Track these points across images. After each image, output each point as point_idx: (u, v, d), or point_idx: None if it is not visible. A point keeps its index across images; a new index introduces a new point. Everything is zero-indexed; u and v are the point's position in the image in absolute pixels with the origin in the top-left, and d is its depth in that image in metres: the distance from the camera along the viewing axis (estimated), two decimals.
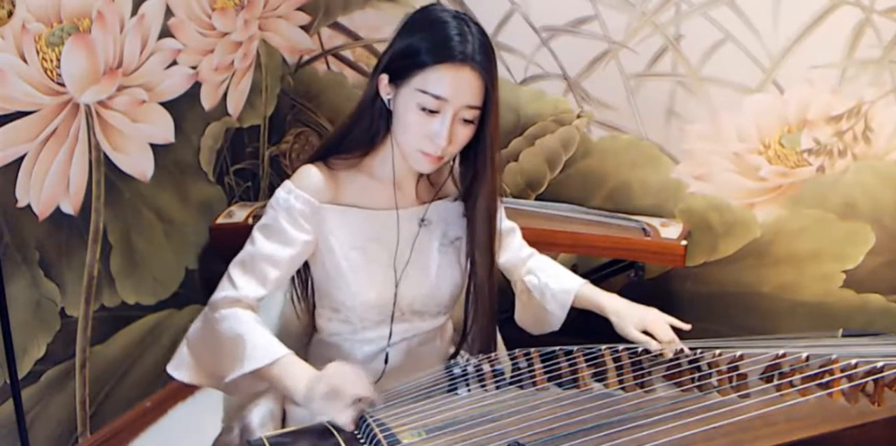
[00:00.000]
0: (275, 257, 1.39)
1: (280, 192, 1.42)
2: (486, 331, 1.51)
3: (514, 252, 1.64)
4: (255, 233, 1.42)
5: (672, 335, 1.44)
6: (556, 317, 1.59)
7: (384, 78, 1.36)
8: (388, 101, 1.38)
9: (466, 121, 1.34)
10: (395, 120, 1.38)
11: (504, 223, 1.62)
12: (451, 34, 1.31)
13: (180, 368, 1.40)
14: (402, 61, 1.34)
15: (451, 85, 1.30)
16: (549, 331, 1.62)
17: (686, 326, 1.46)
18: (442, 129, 1.32)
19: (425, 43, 1.31)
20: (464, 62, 1.29)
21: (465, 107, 1.32)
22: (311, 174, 1.42)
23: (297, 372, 1.28)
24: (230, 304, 1.37)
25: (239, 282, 1.38)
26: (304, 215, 1.40)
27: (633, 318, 1.48)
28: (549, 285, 1.59)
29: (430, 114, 1.32)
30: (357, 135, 1.43)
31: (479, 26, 1.35)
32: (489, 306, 1.50)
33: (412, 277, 1.47)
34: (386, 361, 1.50)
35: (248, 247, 1.42)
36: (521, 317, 1.66)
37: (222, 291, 1.39)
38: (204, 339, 1.39)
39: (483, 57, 1.31)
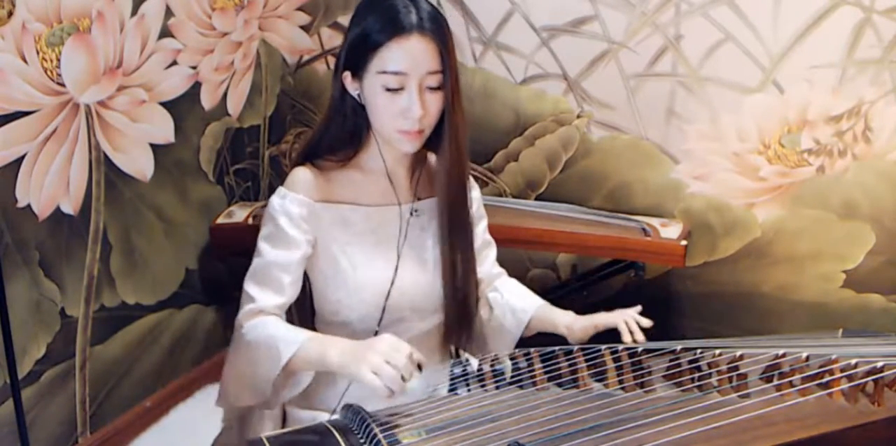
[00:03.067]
0: (285, 263, 1.41)
1: (275, 199, 1.44)
2: (466, 322, 1.51)
3: (487, 267, 1.63)
4: (261, 245, 1.43)
5: (623, 316, 1.45)
6: (512, 335, 1.58)
7: (347, 75, 1.39)
8: (358, 95, 1.40)
9: (433, 88, 1.36)
10: (367, 110, 1.40)
11: (484, 236, 1.63)
12: (394, 8, 1.34)
13: (228, 397, 1.43)
14: (356, 51, 1.36)
15: (406, 57, 1.33)
16: (502, 351, 1.60)
17: (647, 322, 1.45)
18: (412, 103, 1.34)
19: (373, 24, 1.34)
20: (412, 31, 1.32)
21: (426, 74, 1.34)
22: (301, 175, 1.45)
23: (327, 340, 1.31)
24: (253, 316, 1.39)
25: (257, 296, 1.40)
26: (303, 216, 1.42)
27: (583, 320, 1.48)
28: (510, 302, 1.60)
29: (397, 93, 1.34)
30: (334, 135, 1.46)
31: None
32: (461, 294, 1.50)
33: (410, 273, 1.47)
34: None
35: (256, 261, 1.43)
36: (479, 333, 1.63)
37: (243, 308, 1.41)
38: (239, 356, 1.40)
39: (431, 23, 1.34)
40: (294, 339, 1.32)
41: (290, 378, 1.39)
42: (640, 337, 1.41)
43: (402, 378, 1.20)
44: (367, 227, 1.46)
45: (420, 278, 1.48)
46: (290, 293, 1.42)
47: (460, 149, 1.43)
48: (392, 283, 1.46)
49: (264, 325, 1.37)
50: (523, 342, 1.59)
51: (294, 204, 1.42)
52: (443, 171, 1.45)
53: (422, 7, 1.35)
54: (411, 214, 1.49)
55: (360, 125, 1.44)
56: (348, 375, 1.26)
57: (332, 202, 1.45)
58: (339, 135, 1.45)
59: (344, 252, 1.45)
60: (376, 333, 1.48)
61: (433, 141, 1.43)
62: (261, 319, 1.39)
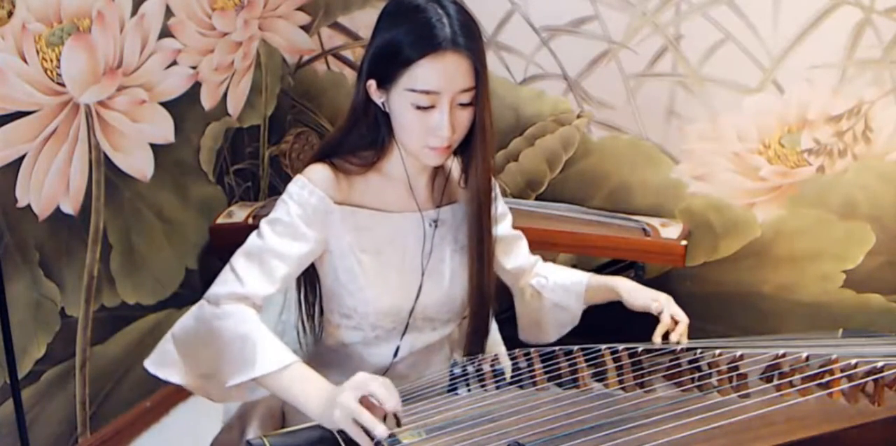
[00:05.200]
0: (285, 253, 1.32)
1: (293, 187, 1.36)
2: (481, 330, 1.50)
3: (522, 258, 1.61)
4: (264, 227, 1.34)
5: (683, 316, 1.42)
6: (573, 311, 1.55)
7: (372, 84, 1.33)
8: (383, 104, 1.34)
9: (464, 105, 1.30)
10: (393, 122, 1.35)
11: (511, 230, 1.60)
12: (428, 22, 1.26)
13: (164, 366, 1.31)
14: (385, 62, 1.30)
15: (439, 76, 1.26)
16: (567, 331, 1.59)
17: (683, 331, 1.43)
18: (442, 121, 1.28)
19: (404, 37, 1.27)
20: (446, 49, 1.25)
21: (459, 92, 1.28)
22: (323, 172, 1.37)
23: (308, 383, 1.20)
24: (234, 301, 1.29)
25: (245, 277, 1.30)
26: (318, 212, 1.35)
27: (647, 293, 1.46)
28: (558, 281, 1.57)
29: (426, 110, 1.28)
30: (357, 140, 1.40)
31: (455, 4, 1.30)
32: (487, 302, 1.48)
33: (427, 283, 1.45)
34: (395, 354, 1.48)
35: (254, 241, 1.34)
36: (533, 323, 1.62)
37: (225, 285, 1.30)
38: (198, 336, 1.30)
39: (465, 38, 1.26)
40: (277, 359, 1.21)
41: (250, 384, 1.26)
42: (674, 338, 1.39)
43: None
44: (384, 235, 1.41)
45: (436, 289, 1.45)
46: (281, 286, 1.33)
47: (490, 164, 1.39)
48: (410, 294, 1.43)
49: (243, 319, 1.25)
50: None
51: (313, 197, 1.35)
52: (473, 186, 1.41)
53: (455, 18, 1.27)
54: (432, 226, 1.45)
55: (382, 132, 1.38)
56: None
57: (351, 205, 1.39)
58: (361, 141, 1.40)
59: (359, 260, 1.40)
60: (397, 349, 1.47)
61: (458, 148, 1.39)
62: (241, 308, 1.27)
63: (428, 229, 1.45)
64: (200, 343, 1.30)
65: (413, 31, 1.27)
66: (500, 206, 1.56)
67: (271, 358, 1.21)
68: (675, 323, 1.41)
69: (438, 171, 1.48)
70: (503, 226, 1.57)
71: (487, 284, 1.47)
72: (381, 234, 1.41)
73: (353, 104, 1.38)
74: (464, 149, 1.40)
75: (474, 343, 1.50)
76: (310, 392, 1.19)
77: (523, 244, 1.63)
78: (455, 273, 1.47)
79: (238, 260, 1.32)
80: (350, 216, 1.39)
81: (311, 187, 1.36)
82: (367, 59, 1.33)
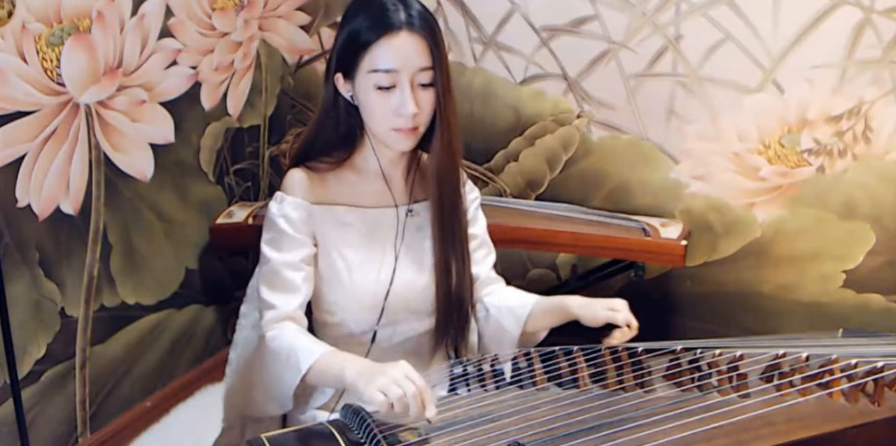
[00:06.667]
0: (294, 261, 1.42)
1: (273, 205, 1.45)
2: (459, 324, 1.51)
3: (485, 270, 1.61)
4: (265, 250, 1.44)
5: (632, 319, 1.42)
6: (511, 335, 1.55)
7: (339, 77, 1.40)
8: (352, 97, 1.41)
9: (425, 85, 1.37)
10: (361, 111, 1.41)
11: (485, 236, 1.61)
12: (384, 6, 1.35)
13: (253, 406, 1.45)
14: (346, 51, 1.37)
15: (396, 54, 1.33)
16: (503, 352, 1.57)
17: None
18: (405, 98, 1.34)
19: (363, 22, 1.35)
20: (400, 28, 1.33)
21: (417, 70, 1.35)
22: (297, 178, 1.45)
23: (346, 357, 1.31)
24: (275, 323, 1.40)
25: (274, 301, 1.41)
26: (302, 219, 1.43)
27: (601, 303, 1.45)
28: (507, 302, 1.57)
29: (389, 91, 1.35)
30: (328, 137, 1.46)
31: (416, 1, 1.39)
32: (462, 294, 1.50)
33: (407, 276, 1.47)
34: (372, 339, 1.50)
35: (264, 267, 1.44)
36: (480, 335, 1.63)
37: (264, 316, 1.42)
38: (263, 366, 1.41)
39: (421, 20, 1.35)
40: (313, 350, 1.33)
41: (312, 389, 1.41)
42: (615, 342, 1.40)
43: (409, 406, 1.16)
44: (362, 229, 1.46)
45: (417, 280, 1.48)
46: (306, 289, 1.43)
47: (453, 147, 1.43)
48: (390, 286, 1.46)
49: (285, 335, 1.38)
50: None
51: (291, 207, 1.42)
52: (435, 170, 1.45)
53: (410, 5, 1.37)
54: (407, 215, 1.49)
55: (353, 126, 1.45)
56: (357, 393, 1.23)
57: (328, 204, 1.45)
58: (333, 137, 1.46)
59: (340, 254, 1.45)
60: (375, 334, 1.48)
61: (426, 140, 1.43)
62: (282, 328, 1.39)
63: (402, 217, 1.49)
64: (266, 372, 1.41)
65: (369, 17, 1.35)
66: (477, 210, 1.59)
67: (310, 352, 1.32)
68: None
69: (412, 165, 1.51)
70: (476, 231, 1.58)
71: (459, 275, 1.49)
72: (359, 229, 1.46)
73: (323, 100, 1.45)
74: (431, 137, 1.43)
75: (441, 339, 1.52)
76: (343, 367, 1.27)
77: (490, 257, 1.62)
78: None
79: (262, 290, 1.43)
80: (329, 214, 1.45)
81: (288, 199, 1.43)
82: (333, 54, 1.41)
